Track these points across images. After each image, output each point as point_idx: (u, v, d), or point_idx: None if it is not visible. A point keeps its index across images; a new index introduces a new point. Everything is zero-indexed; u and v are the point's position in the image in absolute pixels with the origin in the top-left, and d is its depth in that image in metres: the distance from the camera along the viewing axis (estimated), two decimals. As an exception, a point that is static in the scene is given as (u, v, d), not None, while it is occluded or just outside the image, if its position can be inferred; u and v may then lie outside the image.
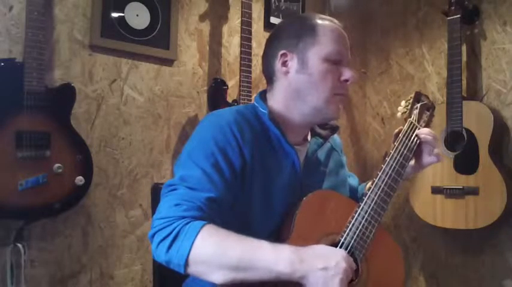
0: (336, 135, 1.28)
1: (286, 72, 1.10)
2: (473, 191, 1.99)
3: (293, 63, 1.09)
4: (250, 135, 1.04)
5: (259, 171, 1.04)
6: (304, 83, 1.08)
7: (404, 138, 1.15)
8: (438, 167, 2.09)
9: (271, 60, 1.12)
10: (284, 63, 1.10)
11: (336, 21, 1.13)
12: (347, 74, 1.09)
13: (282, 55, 1.10)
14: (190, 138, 1.07)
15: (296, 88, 1.09)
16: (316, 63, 1.07)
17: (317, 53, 1.07)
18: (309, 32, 1.09)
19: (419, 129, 1.18)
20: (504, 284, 2.09)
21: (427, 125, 1.22)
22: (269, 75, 1.15)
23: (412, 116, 1.19)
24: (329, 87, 1.07)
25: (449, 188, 2.06)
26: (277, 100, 1.12)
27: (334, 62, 1.08)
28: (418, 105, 1.21)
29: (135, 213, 1.96)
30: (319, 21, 1.10)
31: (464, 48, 2.21)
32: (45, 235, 1.72)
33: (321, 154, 1.20)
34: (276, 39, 1.13)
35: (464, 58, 2.20)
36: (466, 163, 2.03)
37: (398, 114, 1.23)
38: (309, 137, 1.20)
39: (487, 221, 1.96)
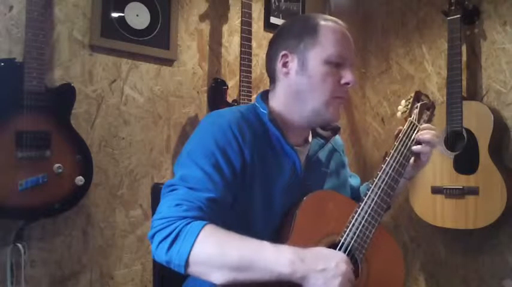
0: (337, 136, 1.27)
1: (287, 73, 1.09)
2: (473, 191, 1.99)
3: (293, 64, 1.08)
4: (250, 136, 1.04)
5: (259, 171, 1.03)
6: (304, 85, 1.07)
7: (404, 138, 1.14)
8: (438, 167, 2.10)
9: (273, 61, 1.12)
10: (285, 64, 1.09)
11: (340, 22, 1.11)
12: (348, 77, 1.07)
13: (283, 56, 1.09)
14: (191, 138, 1.06)
15: (296, 90, 1.08)
16: (316, 65, 1.06)
17: (317, 54, 1.06)
18: (310, 33, 1.07)
19: (419, 128, 1.17)
20: (504, 284, 2.09)
21: None
22: (271, 75, 1.14)
23: (412, 116, 1.19)
24: (329, 90, 1.06)
25: (449, 188, 2.06)
26: (278, 101, 1.12)
27: (336, 65, 1.06)
28: (418, 104, 1.20)
29: (135, 213, 1.96)
30: (322, 22, 1.08)
31: (464, 48, 2.21)
32: (45, 235, 1.72)
33: (322, 155, 1.19)
34: (278, 39, 1.13)
35: (464, 58, 2.20)
36: (466, 163, 2.03)
37: (398, 113, 1.22)
38: (310, 138, 1.20)
39: (487, 221, 1.96)
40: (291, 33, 1.10)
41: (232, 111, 1.08)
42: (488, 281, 2.14)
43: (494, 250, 2.12)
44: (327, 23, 1.09)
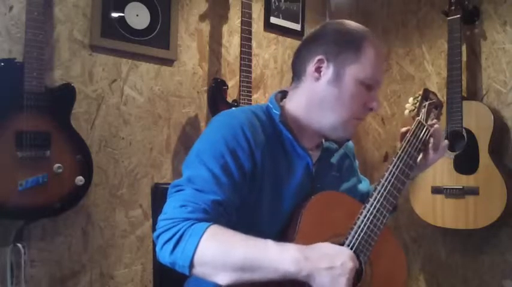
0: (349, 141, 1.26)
1: (317, 79, 1.06)
2: (473, 191, 1.99)
3: (327, 72, 1.05)
4: (262, 137, 1.02)
5: (269, 173, 1.02)
6: (332, 96, 1.05)
7: (412, 138, 1.12)
8: (438, 167, 2.09)
9: (305, 61, 1.08)
10: (318, 69, 1.06)
11: (382, 45, 1.10)
12: (374, 104, 1.07)
13: (318, 60, 1.05)
14: (200, 137, 1.04)
15: (321, 97, 1.06)
16: (351, 81, 1.04)
17: (355, 72, 1.03)
18: (354, 48, 1.04)
19: (427, 128, 1.15)
20: (504, 284, 2.09)
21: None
22: (298, 73, 1.10)
23: (420, 115, 1.16)
24: (353, 110, 1.05)
25: (449, 188, 2.06)
26: (298, 103, 1.09)
27: (367, 87, 1.05)
28: (426, 103, 1.17)
29: (135, 213, 1.96)
30: (367, 41, 1.05)
31: (464, 48, 2.21)
32: (45, 235, 1.72)
33: (334, 159, 1.18)
34: (317, 41, 1.08)
35: (464, 58, 2.20)
36: (466, 163, 2.03)
37: (406, 112, 1.19)
38: (322, 141, 1.18)
39: (487, 221, 1.95)
40: (333, 40, 1.06)
41: (244, 111, 1.06)
42: (488, 281, 2.14)
43: (494, 250, 2.12)
44: (372, 43, 1.06)
